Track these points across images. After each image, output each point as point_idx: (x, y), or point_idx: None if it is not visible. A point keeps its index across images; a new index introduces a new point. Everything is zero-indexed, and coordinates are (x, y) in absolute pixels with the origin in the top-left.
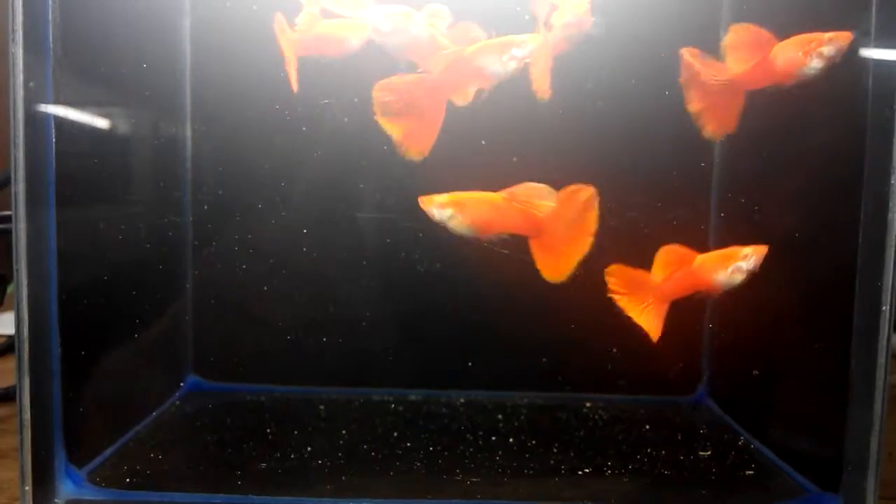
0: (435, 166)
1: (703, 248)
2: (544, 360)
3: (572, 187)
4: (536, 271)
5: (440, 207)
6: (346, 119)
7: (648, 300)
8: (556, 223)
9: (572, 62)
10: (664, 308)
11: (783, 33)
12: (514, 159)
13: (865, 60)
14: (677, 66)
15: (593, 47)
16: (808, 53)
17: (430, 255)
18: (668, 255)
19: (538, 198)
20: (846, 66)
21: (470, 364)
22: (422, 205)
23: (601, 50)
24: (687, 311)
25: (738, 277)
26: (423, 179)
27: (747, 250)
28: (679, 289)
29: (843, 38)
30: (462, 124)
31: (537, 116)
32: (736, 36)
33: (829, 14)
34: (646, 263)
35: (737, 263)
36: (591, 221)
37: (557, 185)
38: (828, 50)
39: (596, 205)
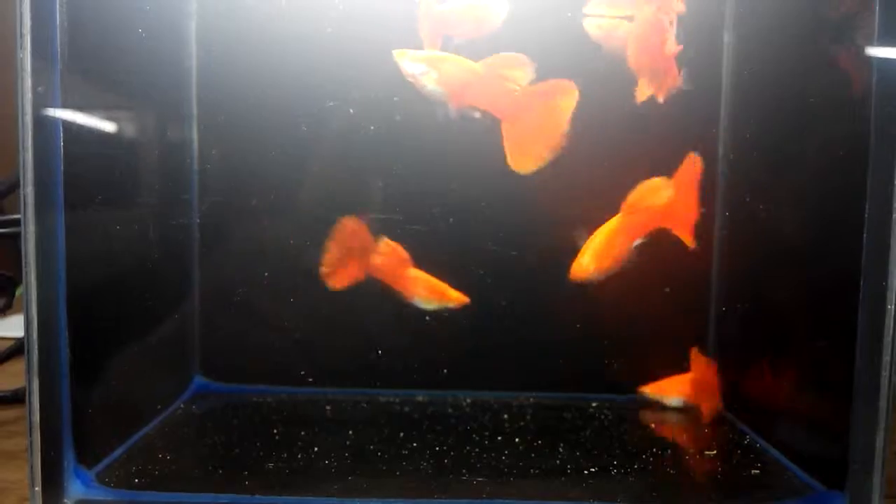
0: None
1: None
2: (550, 360)
3: (552, 81)
4: (544, 269)
5: (414, 62)
6: (351, 110)
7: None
8: (528, 106)
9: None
10: None
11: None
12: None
13: (869, 59)
14: None
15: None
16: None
17: (438, 253)
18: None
19: (515, 67)
20: (851, 66)
21: (476, 364)
22: (396, 58)
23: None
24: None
25: None
26: (428, 180)
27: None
28: None
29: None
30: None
31: None
32: None
33: (832, 14)
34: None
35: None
36: (564, 114)
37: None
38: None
39: (573, 100)
